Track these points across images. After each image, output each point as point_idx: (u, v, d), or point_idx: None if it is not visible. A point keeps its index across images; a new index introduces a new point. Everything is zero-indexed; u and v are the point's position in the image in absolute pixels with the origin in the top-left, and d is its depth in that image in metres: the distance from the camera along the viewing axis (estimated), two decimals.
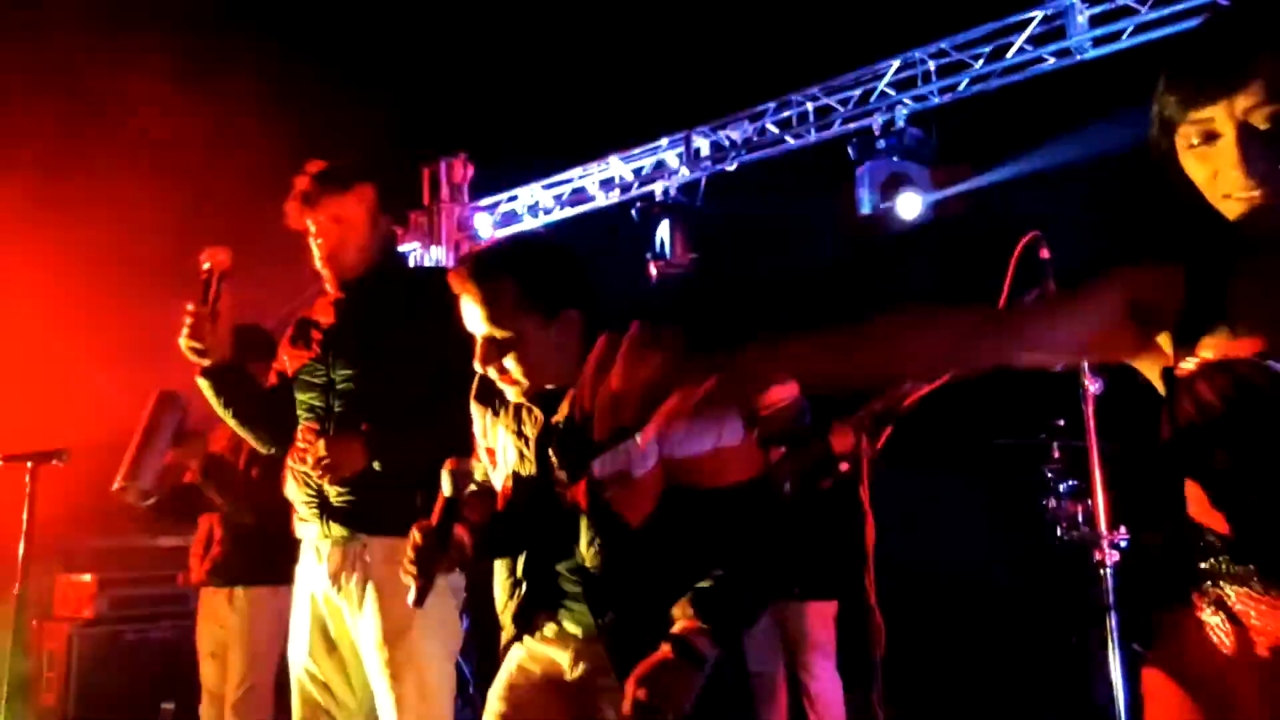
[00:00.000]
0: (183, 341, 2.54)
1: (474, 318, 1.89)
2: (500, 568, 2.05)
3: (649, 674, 1.74)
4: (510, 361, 1.88)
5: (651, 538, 1.83)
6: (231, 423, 2.67)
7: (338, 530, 2.53)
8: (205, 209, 5.85)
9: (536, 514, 1.96)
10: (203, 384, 2.62)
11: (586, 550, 1.88)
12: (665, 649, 1.75)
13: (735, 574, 1.81)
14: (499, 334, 1.87)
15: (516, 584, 1.99)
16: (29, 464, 3.57)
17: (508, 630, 2.02)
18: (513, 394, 1.95)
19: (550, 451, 1.94)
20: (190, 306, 2.53)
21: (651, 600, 1.83)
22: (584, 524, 1.87)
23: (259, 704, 3.65)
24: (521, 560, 1.99)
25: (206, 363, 2.57)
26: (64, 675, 4.61)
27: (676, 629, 1.77)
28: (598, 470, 1.84)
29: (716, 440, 1.80)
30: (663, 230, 6.11)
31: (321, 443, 2.47)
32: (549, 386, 1.94)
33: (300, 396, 2.63)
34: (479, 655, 5.19)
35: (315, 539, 2.59)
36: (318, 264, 2.63)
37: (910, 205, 5.26)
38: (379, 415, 2.51)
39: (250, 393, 2.67)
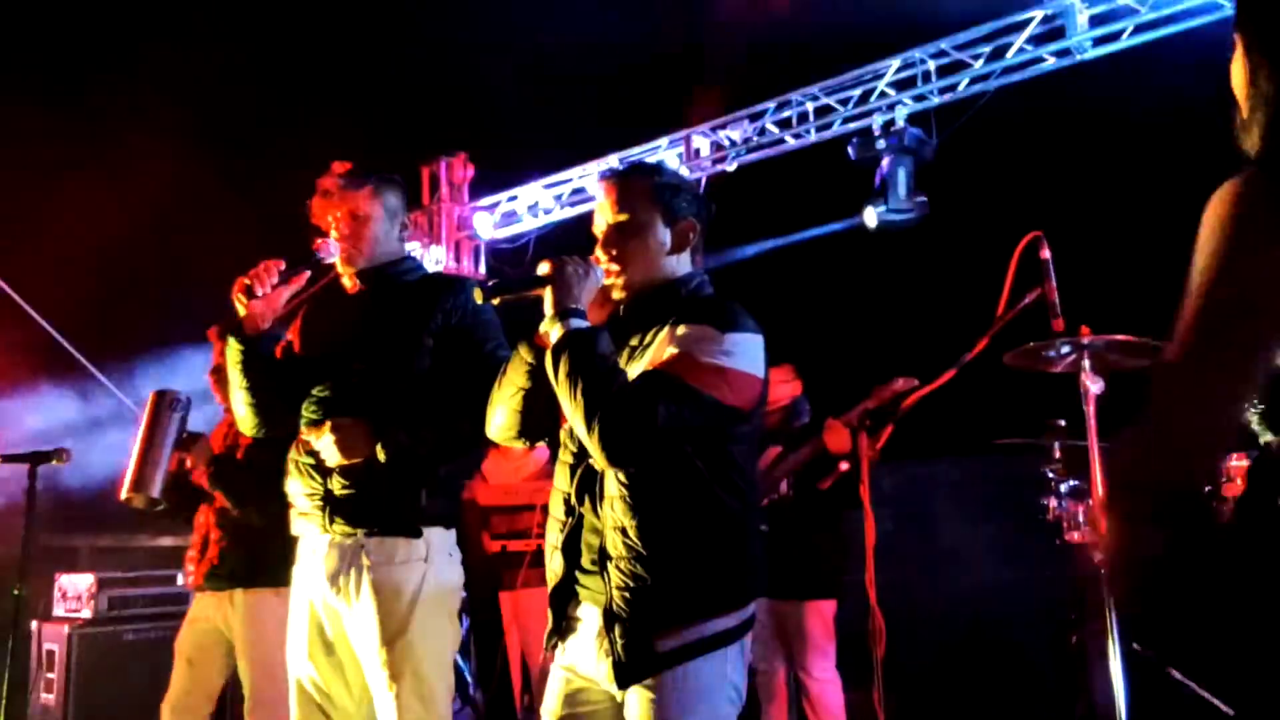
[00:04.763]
0: (239, 284, 2.51)
1: (604, 210, 2.05)
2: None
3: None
4: (624, 245, 2.01)
5: None
6: (239, 393, 2.61)
7: (339, 527, 2.51)
8: (202, 208, 5.86)
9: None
10: (232, 345, 2.57)
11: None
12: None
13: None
14: (621, 218, 2.02)
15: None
16: (29, 464, 3.57)
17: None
18: (616, 290, 2.05)
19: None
20: (274, 262, 2.52)
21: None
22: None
23: (274, 715, 3.58)
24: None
25: (243, 312, 2.53)
26: (64, 675, 4.60)
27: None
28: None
29: None
30: None
31: (329, 424, 2.46)
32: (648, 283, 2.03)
33: (307, 387, 2.62)
34: (479, 655, 5.19)
35: (314, 538, 2.58)
36: (335, 258, 2.64)
37: (870, 217, 5.30)
38: (386, 408, 2.52)
39: (268, 367, 2.63)
